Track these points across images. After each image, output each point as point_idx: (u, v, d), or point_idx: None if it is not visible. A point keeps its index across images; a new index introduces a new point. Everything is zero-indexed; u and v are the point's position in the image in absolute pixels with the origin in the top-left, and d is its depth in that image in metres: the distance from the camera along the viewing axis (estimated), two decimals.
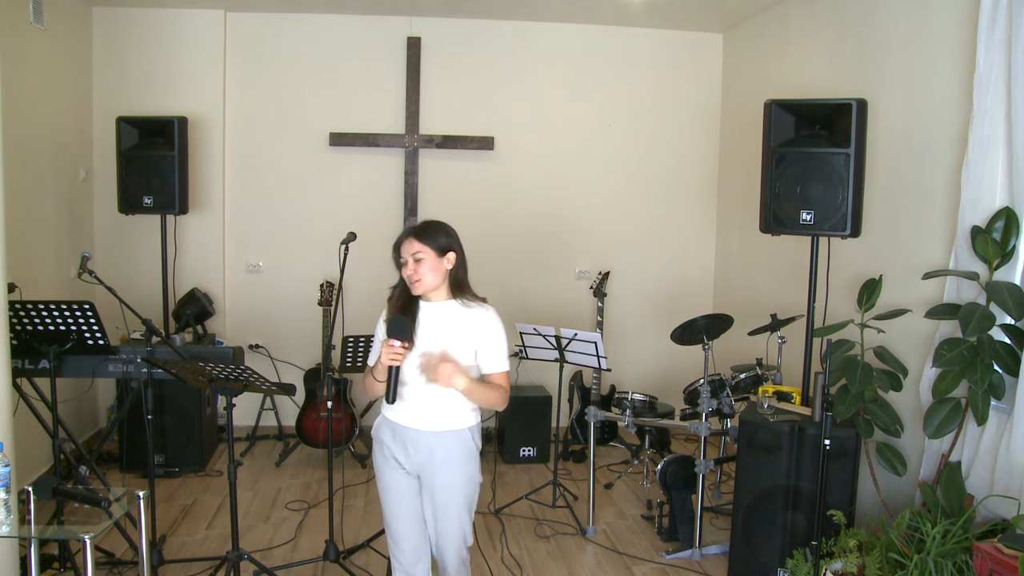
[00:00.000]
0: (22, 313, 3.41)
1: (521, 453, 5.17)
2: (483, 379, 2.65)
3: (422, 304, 2.65)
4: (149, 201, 4.65)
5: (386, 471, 2.67)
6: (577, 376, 5.35)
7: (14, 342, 3.29)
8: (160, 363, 3.24)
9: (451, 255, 2.63)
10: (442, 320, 2.62)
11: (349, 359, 4.49)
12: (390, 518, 2.69)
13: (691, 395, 4.46)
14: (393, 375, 2.53)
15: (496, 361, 2.64)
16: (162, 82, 5.28)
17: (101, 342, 3.57)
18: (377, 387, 2.62)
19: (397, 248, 2.64)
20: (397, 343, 2.50)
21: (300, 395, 5.08)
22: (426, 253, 2.58)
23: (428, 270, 2.58)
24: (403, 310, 2.62)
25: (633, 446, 5.25)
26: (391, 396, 2.55)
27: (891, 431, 3.36)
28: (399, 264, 2.64)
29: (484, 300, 2.69)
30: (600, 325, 5.09)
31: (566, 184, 5.73)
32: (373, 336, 2.76)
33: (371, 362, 2.72)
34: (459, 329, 2.61)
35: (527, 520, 4.27)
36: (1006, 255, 3.06)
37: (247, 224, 5.56)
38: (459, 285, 2.66)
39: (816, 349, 3.69)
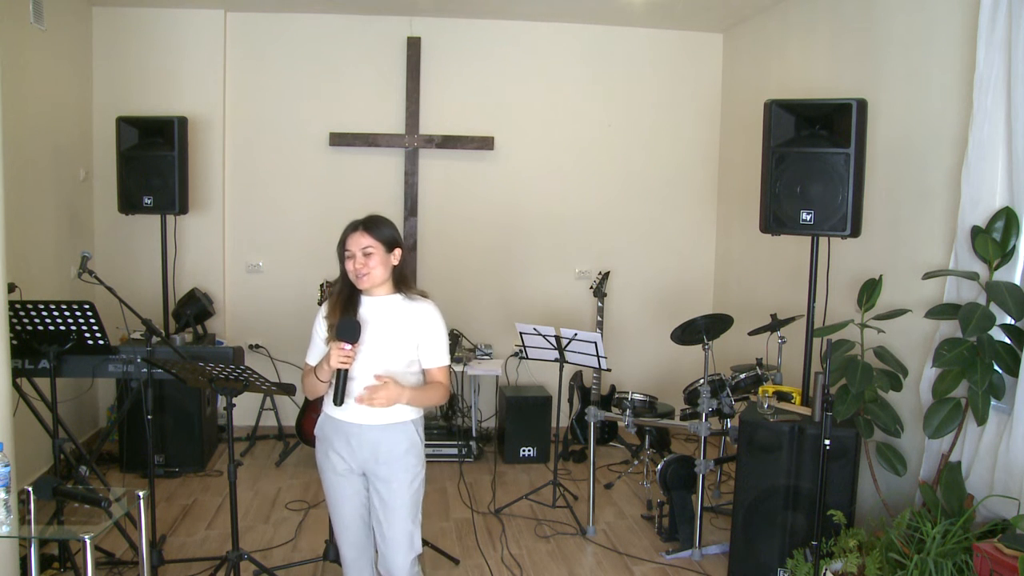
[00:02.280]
0: (22, 313, 3.41)
1: (521, 453, 5.16)
2: (423, 374, 2.66)
3: (364, 298, 2.64)
4: (149, 201, 4.65)
5: (328, 471, 2.67)
6: (577, 376, 5.35)
7: (14, 342, 3.29)
8: (160, 363, 3.23)
9: (398, 251, 2.63)
10: (385, 314, 2.62)
11: None
12: (333, 518, 2.72)
13: (691, 395, 4.46)
14: (342, 378, 2.50)
15: (436, 356, 2.65)
16: (162, 82, 5.28)
17: (101, 342, 3.57)
18: (319, 387, 2.61)
19: (343, 242, 2.61)
20: (348, 346, 2.48)
21: (300, 395, 5.07)
22: (375, 248, 2.56)
23: (377, 264, 2.57)
24: (346, 305, 2.60)
25: (633, 446, 5.25)
26: (340, 398, 2.53)
27: (891, 431, 3.36)
28: (343, 258, 2.61)
29: (425, 295, 2.69)
30: (600, 325, 5.09)
31: (566, 184, 5.73)
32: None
33: (310, 360, 2.69)
34: (401, 323, 2.61)
35: (527, 520, 4.27)
36: (1006, 255, 3.06)
37: (247, 224, 5.56)
38: (403, 280, 2.66)
39: (816, 349, 3.69)
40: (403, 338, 2.60)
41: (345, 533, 2.70)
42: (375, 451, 2.60)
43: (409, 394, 2.54)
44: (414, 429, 2.65)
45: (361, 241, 2.56)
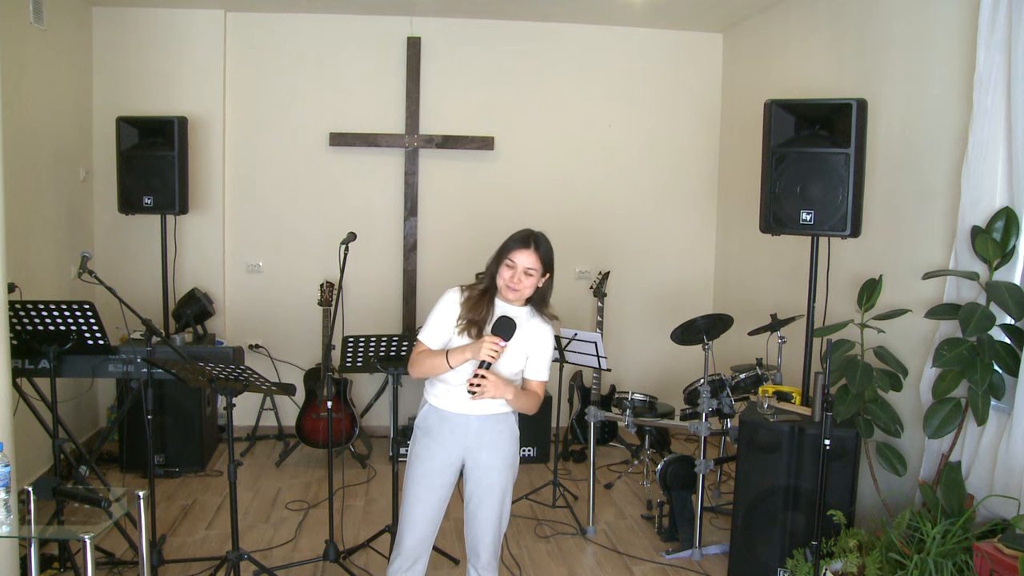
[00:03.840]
0: (22, 313, 3.41)
1: (521, 453, 5.15)
2: (523, 384, 2.80)
3: (497, 301, 2.74)
4: (149, 201, 4.66)
5: (426, 460, 2.73)
6: (577, 376, 5.35)
7: (14, 342, 3.29)
8: (160, 363, 3.24)
9: (549, 276, 2.76)
10: None
11: (349, 359, 4.49)
12: (412, 504, 2.73)
13: (691, 395, 4.46)
14: (483, 368, 2.60)
15: (539, 370, 2.79)
16: (162, 82, 5.28)
17: (101, 342, 3.57)
18: (438, 367, 2.66)
19: (508, 250, 2.69)
20: (503, 342, 2.59)
21: (300, 395, 5.08)
22: (537, 271, 2.69)
23: (532, 286, 2.70)
24: (488, 302, 2.72)
25: (633, 446, 5.25)
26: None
27: (891, 431, 3.36)
28: (502, 263, 2.69)
29: (555, 317, 2.81)
30: (600, 325, 5.09)
31: (566, 184, 5.73)
32: (428, 322, 2.76)
33: (429, 342, 2.74)
34: (520, 335, 2.69)
35: (527, 520, 4.27)
36: (1006, 255, 3.06)
37: (247, 224, 5.56)
38: (540, 299, 2.77)
39: (816, 349, 3.69)
40: (518, 348, 2.70)
41: (417, 523, 2.73)
42: (479, 439, 2.73)
43: (514, 391, 2.67)
44: (514, 420, 2.81)
45: (528, 261, 2.67)
